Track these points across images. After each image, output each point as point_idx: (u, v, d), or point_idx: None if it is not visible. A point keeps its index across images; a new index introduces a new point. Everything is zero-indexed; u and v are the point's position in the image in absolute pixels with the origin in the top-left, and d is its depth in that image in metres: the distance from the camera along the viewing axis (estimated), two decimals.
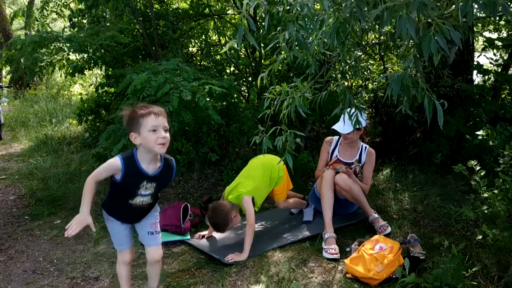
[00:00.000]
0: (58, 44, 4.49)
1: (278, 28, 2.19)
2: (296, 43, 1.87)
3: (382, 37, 2.87)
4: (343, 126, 3.41)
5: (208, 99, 3.78)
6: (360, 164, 3.63)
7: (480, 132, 3.04)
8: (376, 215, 3.53)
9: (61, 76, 8.23)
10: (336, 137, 3.76)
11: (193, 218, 3.67)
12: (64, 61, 5.74)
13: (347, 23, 1.75)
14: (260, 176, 3.43)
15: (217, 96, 4.26)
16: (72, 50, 4.32)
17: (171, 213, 3.63)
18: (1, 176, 5.46)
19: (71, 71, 6.22)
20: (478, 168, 2.84)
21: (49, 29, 5.43)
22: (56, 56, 5.13)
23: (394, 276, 2.79)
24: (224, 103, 4.79)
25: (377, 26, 2.42)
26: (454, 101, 5.02)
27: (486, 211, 2.72)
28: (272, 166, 3.46)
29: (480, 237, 2.72)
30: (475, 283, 2.62)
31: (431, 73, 4.98)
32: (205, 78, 4.04)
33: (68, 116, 8.22)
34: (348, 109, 3.42)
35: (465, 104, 4.95)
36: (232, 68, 6.05)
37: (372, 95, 5.33)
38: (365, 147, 3.67)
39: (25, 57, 4.39)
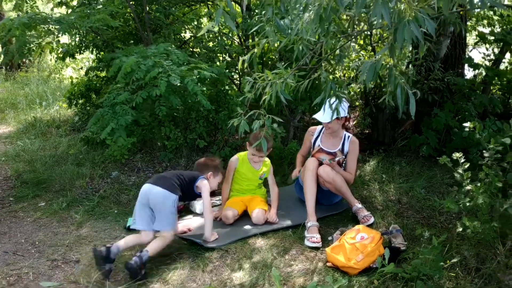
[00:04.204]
0: (47, 26, 4.42)
1: (263, 11, 2.17)
2: (273, 27, 1.85)
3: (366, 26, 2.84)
4: (323, 115, 3.42)
5: (198, 84, 3.75)
6: (343, 156, 3.63)
7: (467, 124, 3.03)
8: (359, 205, 3.54)
9: (50, 60, 8.13)
10: (319, 127, 3.76)
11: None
12: (54, 44, 5.68)
13: (330, 9, 1.73)
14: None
15: (208, 82, 4.23)
16: (62, 32, 4.25)
17: None
18: None
19: (61, 55, 6.17)
20: (462, 160, 2.84)
21: (37, 11, 5.31)
22: (46, 37, 5.06)
23: (374, 266, 2.81)
24: (213, 89, 4.74)
25: (363, 15, 2.41)
26: (444, 94, 5.03)
27: (468, 204, 2.73)
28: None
29: (460, 229, 2.73)
30: (453, 274, 2.64)
31: (422, 65, 4.97)
32: (195, 63, 4.00)
33: (59, 100, 8.13)
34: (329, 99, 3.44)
35: (454, 97, 4.95)
36: (225, 56, 6.02)
37: (362, 86, 5.31)
38: (348, 136, 3.67)
39: (14, 39, 4.33)
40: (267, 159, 3.74)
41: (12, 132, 6.56)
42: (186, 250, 3.12)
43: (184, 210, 3.78)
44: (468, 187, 2.77)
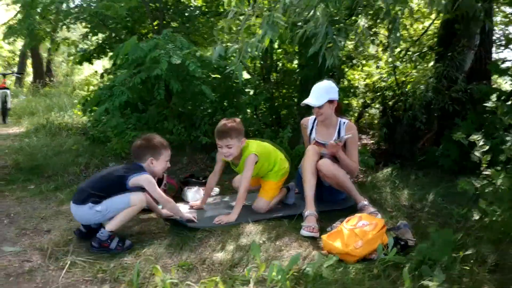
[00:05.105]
0: (54, 7, 4.39)
1: None
2: None
3: None
4: (314, 99, 3.14)
5: (199, 68, 3.58)
6: (347, 136, 3.27)
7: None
8: (365, 202, 3.19)
9: (67, 64, 8.23)
10: (311, 118, 3.44)
11: (167, 189, 3.40)
12: (69, 41, 5.71)
13: None
14: (269, 154, 3.25)
15: (212, 68, 4.07)
16: (68, 15, 4.22)
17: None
18: None
19: (78, 59, 6.20)
20: (481, 143, 2.52)
21: None
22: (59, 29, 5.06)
23: (374, 258, 2.44)
24: (222, 85, 4.57)
25: None
26: (466, 106, 4.70)
27: (486, 189, 2.38)
28: (283, 158, 3.35)
29: (477, 217, 2.36)
30: (467, 267, 2.25)
31: (443, 75, 4.70)
32: (198, 49, 3.86)
33: (75, 107, 8.17)
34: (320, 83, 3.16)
35: (478, 108, 4.60)
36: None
37: (378, 94, 5.05)
38: (344, 122, 3.31)
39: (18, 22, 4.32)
40: (251, 146, 3.14)
41: (22, 132, 6.54)
42: (168, 231, 2.84)
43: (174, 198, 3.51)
44: (487, 172, 2.43)
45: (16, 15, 4.41)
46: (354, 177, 3.25)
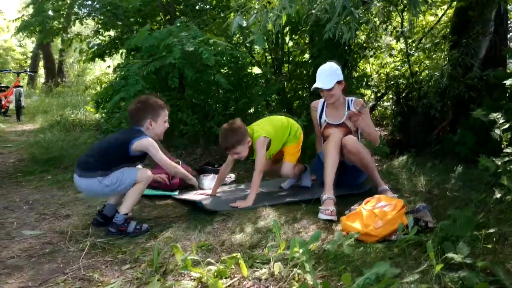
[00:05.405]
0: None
1: None
2: None
3: None
4: (324, 82, 3.13)
5: (213, 56, 3.58)
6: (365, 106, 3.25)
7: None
8: (386, 187, 3.16)
9: (79, 62, 8.28)
10: (321, 101, 3.43)
11: None
12: (82, 36, 5.74)
13: None
14: (281, 125, 3.31)
15: (226, 59, 4.07)
16: (81, 5, 4.25)
17: (161, 169, 3.38)
18: (8, 145, 5.39)
19: (91, 55, 6.23)
20: (501, 120, 2.48)
21: None
22: (72, 23, 5.10)
23: (394, 238, 2.41)
24: (234, 76, 4.56)
25: None
26: (481, 93, 4.64)
27: (508, 168, 2.34)
28: (293, 121, 3.41)
29: (499, 195, 2.33)
30: (489, 246, 2.22)
31: (458, 63, 4.65)
32: (210, 37, 3.86)
33: (88, 105, 8.23)
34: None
35: (494, 94, 4.55)
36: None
37: (392, 82, 5.01)
38: (351, 100, 3.31)
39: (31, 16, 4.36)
40: (257, 131, 3.17)
41: (37, 129, 6.60)
42: (186, 214, 2.84)
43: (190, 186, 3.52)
44: (508, 150, 2.39)
45: (27, 5, 4.44)
46: (377, 145, 3.24)
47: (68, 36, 5.80)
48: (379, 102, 6.06)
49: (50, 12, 4.86)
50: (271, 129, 3.21)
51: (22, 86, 8.19)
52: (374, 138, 3.26)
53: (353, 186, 3.37)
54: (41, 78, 15.54)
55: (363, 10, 3.60)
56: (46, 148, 4.89)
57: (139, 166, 2.71)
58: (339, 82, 3.18)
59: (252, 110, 4.56)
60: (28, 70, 9.29)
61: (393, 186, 3.59)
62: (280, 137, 3.28)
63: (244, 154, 3.09)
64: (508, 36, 5.20)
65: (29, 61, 17.99)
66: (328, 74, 3.17)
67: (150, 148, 2.58)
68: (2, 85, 9.38)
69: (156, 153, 2.61)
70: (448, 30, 5.29)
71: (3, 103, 8.60)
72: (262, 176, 3.08)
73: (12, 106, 8.49)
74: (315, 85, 3.20)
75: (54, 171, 3.99)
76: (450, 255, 1.85)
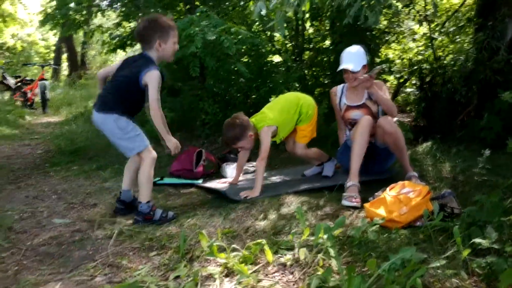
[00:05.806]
0: None
1: None
2: None
3: None
4: (352, 64, 3.10)
5: (234, 44, 3.57)
6: (378, 67, 3.23)
7: None
8: (415, 173, 3.13)
9: (100, 54, 8.38)
10: (340, 86, 3.40)
11: (207, 164, 3.44)
12: (102, 28, 5.81)
13: None
14: (289, 106, 3.26)
15: (246, 48, 4.06)
16: None
17: (184, 158, 3.44)
18: (35, 137, 5.53)
19: (112, 47, 6.29)
20: None
21: None
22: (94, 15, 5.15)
23: (420, 224, 2.39)
24: (255, 64, 4.56)
25: None
26: (509, 77, 4.52)
27: None
28: (304, 98, 3.34)
29: None
30: None
31: (484, 46, 4.52)
32: (232, 26, 3.85)
33: None
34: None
35: None
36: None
37: (415, 67, 4.92)
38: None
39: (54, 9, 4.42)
40: (261, 121, 3.17)
41: (62, 120, 6.74)
42: (210, 202, 2.88)
43: (214, 174, 3.56)
44: None
45: None
46: (395, 116, 3.18)
47: (90, 28, 5.87)
48: (401, 89, 5.97)
49: (72, 5, 4.91)
50: (277, 115, 3.18)
51: (46, 79, 8.37)
52: (390, 108, 3.17)
53: (379, 171, 3.33)
54: (64, 71, 15.83)
55: None
56: (71, 140, 4.99)
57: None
58: (363, 66, 3.16)
59: (273, 98, 4.55)
60: (52, 63, 9.48)
61: (417, 172, 3.55)
62: (289, 119, 3.24)
63: (248, 146, 3.14)
64: None
65: (52, 55, 18.32)
66: (358, 57, 3.16)
67: (153, 80, 2.43)
68: (27, 78, 9.62)
69: (154, 87, 2.43)
70: (473, 12, 5.15)
71: (29, 96, 8.83)
72: (265, 163, 3.06)
73: (37, 99, 8.71)
74: (342, 66, 3.17)
75: (80, 162, 4.08)
76: (478, 240, 1.83)
